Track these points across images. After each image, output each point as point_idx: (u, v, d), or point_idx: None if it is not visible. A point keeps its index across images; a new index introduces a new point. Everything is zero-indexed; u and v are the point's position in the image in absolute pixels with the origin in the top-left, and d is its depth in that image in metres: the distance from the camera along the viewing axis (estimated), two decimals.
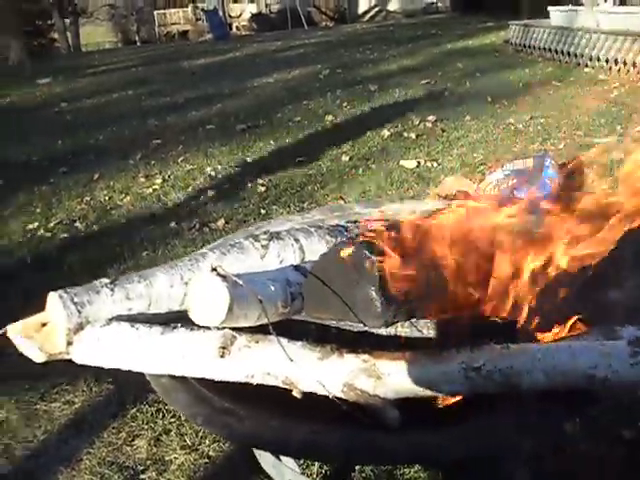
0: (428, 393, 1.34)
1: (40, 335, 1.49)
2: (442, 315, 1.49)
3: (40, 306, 2.95)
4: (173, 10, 35.75)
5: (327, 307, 1.42)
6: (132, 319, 1.48)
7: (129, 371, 1.46)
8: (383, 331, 1.49)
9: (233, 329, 1.37)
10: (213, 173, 5.16)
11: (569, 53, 9.67)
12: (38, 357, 1.46)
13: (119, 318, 1.48)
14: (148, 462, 2.13)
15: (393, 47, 13.53)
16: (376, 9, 31.59)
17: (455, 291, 1.48)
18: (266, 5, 31.13)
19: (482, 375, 1.30)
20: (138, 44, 30.50)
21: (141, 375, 1.48)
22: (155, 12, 35.55)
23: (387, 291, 1.36)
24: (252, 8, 32.14)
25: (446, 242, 1.51)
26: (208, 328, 1.37)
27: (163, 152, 5.98)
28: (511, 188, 3.37)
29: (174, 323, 1.45)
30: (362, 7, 31.67)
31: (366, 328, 1.46)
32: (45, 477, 2.17)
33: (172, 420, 2.29)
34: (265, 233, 1.70)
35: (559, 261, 1.53)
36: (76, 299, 1.46)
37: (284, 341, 1.34)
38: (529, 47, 11.13)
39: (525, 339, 1.45)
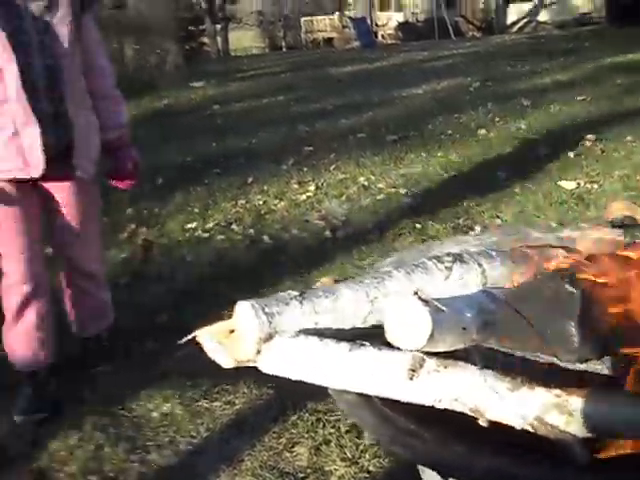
0: (621, 433, 1.29)
1: (229, 341, 1.54)
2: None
3: (199, 306, 3.09)
4: (320, 17, 36.42)
5: (520, 337, 1.39)
6: (319, 333, 1.50)
7: (292, 380, 1.48)
8: (570, 365, 1.45)
9: (424, 352, 1.37)
10: (366, 183, 5.19)
11: None
12: (227, 363, 1.51)
13: (306, 331, 1.51)
14: (308, 470, 2.17)
15: (545, 60, 13.14)
16: (525, 19, 30.91)
17: None
18: (413, 14, 31.15)
19: None
20: (284, 50, 31.25)
21: (303, 384, 1.49)
22: (302, 19, 36.36)
23: (586, 327, 1.31)
24: (399, 17, 32.24)
25: None
26: (397, 348, 1.38)
27: (315, 159, 6.06)
28: None
29: (360, 340, 1.46)
30: (511, 17, 31.06)
31: (556, 361, 1.42)
32: (207, 473, 2.25)
33: (332, 431, 2.32)
34: (448, 255, 1.69)
35: None
36: (267, 309, 1.49)
37: (485, 370, 1.33)
38: None
39: None
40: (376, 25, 30.93)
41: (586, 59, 12.93)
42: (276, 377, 2.35)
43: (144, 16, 17.48)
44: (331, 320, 1.55)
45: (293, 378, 1.48)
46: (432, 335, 1.22)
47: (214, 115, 9.22)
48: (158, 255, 4.22)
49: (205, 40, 32.75)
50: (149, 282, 3.77)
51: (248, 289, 3.47)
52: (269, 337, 1.48)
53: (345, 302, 1.57)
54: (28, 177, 2.33)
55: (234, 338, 1.54)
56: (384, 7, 34.22)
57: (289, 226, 4.29)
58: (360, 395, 1.43)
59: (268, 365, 1.51)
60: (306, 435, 2.32)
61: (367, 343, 1.44)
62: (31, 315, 2.50)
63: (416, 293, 1.23)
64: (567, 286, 1.33)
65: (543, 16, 30.75)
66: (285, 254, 3.91)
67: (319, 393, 2.22)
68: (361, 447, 2.22)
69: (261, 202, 5.01)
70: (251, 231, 4.43)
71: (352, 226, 4.23)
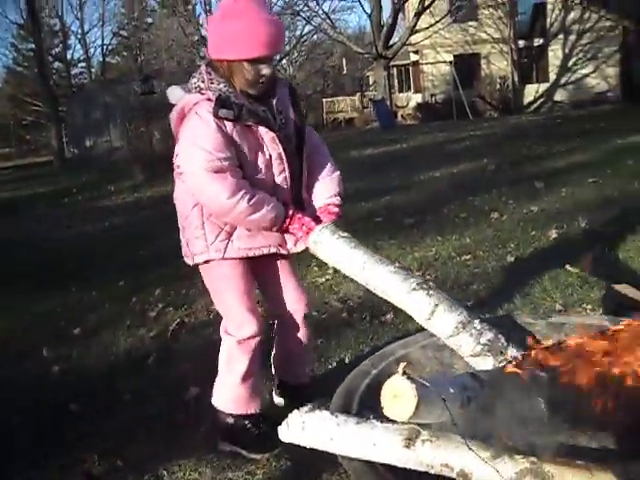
0: None
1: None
2: (604, 428, 1.66)
3: None
4: (341, 98, 37.51)
5: (497, 413, 1.64)
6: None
7: (304, 450, 1.71)
8: (551, 440, 1.68)
9: (417, 424, 1.62)
10: None
11: None
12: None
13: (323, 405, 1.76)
14: None
15: (560, 141, 13.51)
16: (542, 99, 31.63)
17: (617, 409, 1.65)
18: (431, 95, 31.99)
19: None
20: None
21: (314, 454, 1.72)
22: (323, 100, 37.40)
23: (555, 405, 1.56)
24: (418, 98, 33.16)
25: (608, 360, 1.70)
26: (396, 422, 1.63)
27: None
28: None
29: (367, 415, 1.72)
30: (527, 97, 31.84)
31: (535, 435, 1.65)
32: None
33: None
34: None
35: None
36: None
37: (468, 440, 1.57)
38: None
39: None
40: (396, 106, 31.78)
41: (600, 140, 13.27)
42: (294, 451, 2.60)
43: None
44: None
45: (307, 446, 1.73)
46: (418, 407, 1.47)
47: None
48: (185, 334, 4.48)
49: None
50: (177, 360, 4.02)
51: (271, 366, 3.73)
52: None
53: None
54: (285, 252, 2.83)
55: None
56: (403, 88, 35.23)
57: (312, 307, 4.53)
58: (365, 462, 1.67)
59: (287, 435, 1.76)
60: None
61: (372, 417, 1.70)
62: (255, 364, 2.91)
63: (405, 372, 1.48)
64: (536, 370, 1.58)
65: (559, 96, 31.49)
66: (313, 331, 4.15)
67: (332, 465, 2.45)
68: None
69: None
70: None
71: (368, 308, 4.47)
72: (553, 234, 6.04)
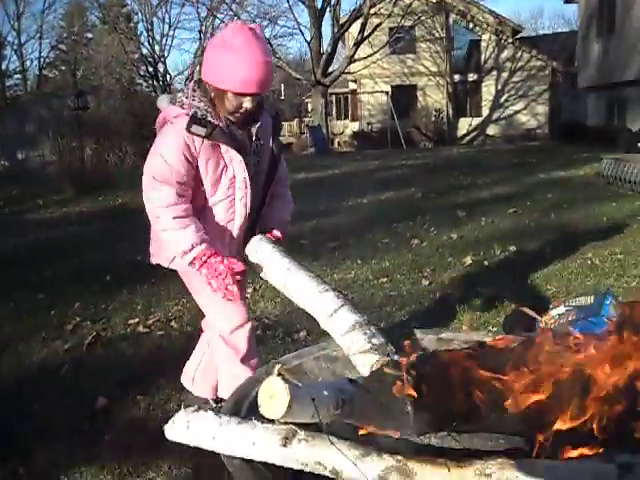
0: None
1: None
2: (469, 429, 1.79)
3: (131, 394, 3.36)
4: None
5: (371, 416, 1.75)
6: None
7: (205, 456, 1.80)
8: (418, 440, 1.81)
9: (295, 424, 1.72)
10: None
11: None
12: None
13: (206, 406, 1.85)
14: None
15: (487, 174, 13.95)
16: (475, 132, 32.51)
17: (482, 412, 1.78)
18: (368, 124, 32.49)
19: None
20: None
21: (215, 462, 1.81)
22: None
23: (420, 407, 1.68)
24: (354, 126, 33.65)
25: (477, 369, 1.84)
26: (274, 422, 1.73)
27: None
28: (567, 323, 3.63)
29: (249, 416, 1.82)
30: (461, 130, 32.68)
31: (403, 436, 1.78)
32: None
33: None
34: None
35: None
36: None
37: (334, 438, 1.68)
38: (620, 180, 11.34)
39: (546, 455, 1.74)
40: (332, 133, 32.16)
41: (524, 173, 13.77)
42: (194, 457, 2.67)
43: (104, 117, 18.12)
44: None
45: (191, 445, 1.81)
46: (290, 406, 1.57)
47: None
48: (100, 347, 4.50)
49: None
50: (88, 372, 4.04)
51: (179, 381, 3.78)
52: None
53: None
54: None
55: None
56: (341, 116, 35.72)
57: None
58: (245, 460, 1.76)
59: (173, 434, 1.85)
60: None
61: (254, 418, 1.79)
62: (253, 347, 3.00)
63: (280, 373, 1.59)
64: (406, 375, 1.70)
65: (492, 130, 32.41)
66: None
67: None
68: None
69: None
70: (188, 328, 4.75)
71: (282, 326, 4.58)
72: (468, 260, 6.28)
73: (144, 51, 35.34)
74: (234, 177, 2.72)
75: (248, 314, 2.98)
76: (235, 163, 2.70)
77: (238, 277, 2.68)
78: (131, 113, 22.57)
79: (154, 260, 3.02)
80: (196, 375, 3.22)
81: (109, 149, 15.67)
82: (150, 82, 35.61)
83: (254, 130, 2.78)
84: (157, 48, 35.57)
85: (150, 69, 35.01)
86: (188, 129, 2.57)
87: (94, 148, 15.37)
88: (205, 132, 2.58)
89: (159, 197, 2.64)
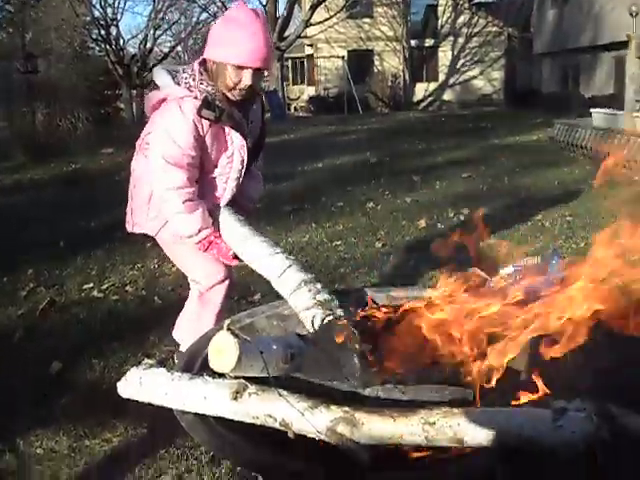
0: (393, 441, 1.69)
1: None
2: (413, 381, 1.86)
3: (85, 359, 3.37)
4: None
5: (321, 369, 1.80)
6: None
7: (161, 416, 1.83)
8: (366, 392, 1.87)
9: (246, 379, 1.76)
10: None
11: (607, 153, 10.06)
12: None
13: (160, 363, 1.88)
14: None
15: (442, 139, 14.08)
16: (431, 98, 32.60)
17: (426, 363, 1.85)
18: (324, 89, 32.32)
19: (435, 429, 1.65)
20: None
21: (171, 421, 1.85)
22: None
23: (366, 360, 1.74)
24: (311, 91, 33.44)
25: (424, 324, 1.90)
26: (225, 377, 1.77)
27: None
28: (514, 282, 3.73)
29: (202, 372, 1.85)
30: (418, 95, 32.72)
31: (351, 388, 1.83)
32: None
33: (194, 462, 2.65)
34: None
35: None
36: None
37: (283, 391, 1.72)
38: (572, 145, 11.55)
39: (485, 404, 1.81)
40: (289, 98, 31.95)
41: (479, 139, 13.90)
42: (150, 417, 2.70)
43: (56, 81, 17.73)
44: None
45: (144, 401, 1.84)
46: (239, 360, 1.61)
47: (120, 182, 9.44)
48: (54, 313, 4.48)
49: (121, 105, 33.18)
50: (42, 337, 4.03)
51: (134, 344, 3.81)
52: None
53: None
54: None
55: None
56: (297, 81, 35.48)
57: (179, 288, 4.61)
58: (197, 415, 1.80)
59: (126, 390, 1.87)
60: (171, 466, 2.64)
61: (206, 374, 1.83)
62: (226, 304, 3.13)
63: (229, 328, 1.62)
64: (353, 329, 1.76)
65: (447, 95, 32.53)
66: (173, 313, 4.24)
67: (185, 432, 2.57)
68: (218, 475, 2.56)
69: (156, 266, 5.35)
70: (143, 292, 4.76)
71: (238, 290, 4.60)
72: (422, 223, 6.37)
73: (96, 14, 34.43)
74: (232, 156, 2.80)
75: (227, 271, 3.04)
76: (236, 145, 2.78)
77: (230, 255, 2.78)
78: (84, 77, 22.14)
79: (137, 229, 3.06)
80: (188, 331, 3.24)
81: (61, 114, 15.30)
82: (103, 46, 34.80)
83: (250, 113, 2.85)
84: (109, 11, 34.72)
85: (102, 32, 34.20)
86: (199, 113, 2.62)
87: (45, 113, 15.03)
88: (215, 116, 2.65)
89: (170, 179, 2.68)
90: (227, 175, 2.84)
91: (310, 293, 2.24)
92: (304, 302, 2.21)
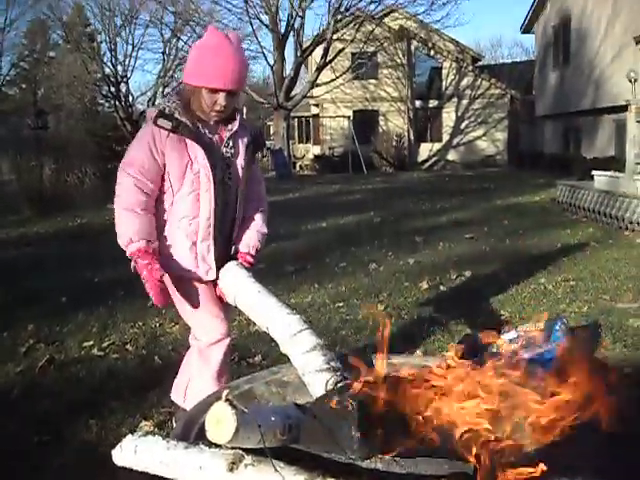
0: None
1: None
2: (412, 456, 1.83)
3: (82, 418, 3.33)
4: None
5: (318, 440, 1.78)
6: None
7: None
8: (364, 464, 1.84)
9: (242, 450, 1.74)
10: None
11: (610, 215, 10.11)
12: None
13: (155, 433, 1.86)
14: None
15: (446, 199, 14.17)
16: (435, 158, 32.90)
17: (426, 437, 1.83)
18: (330, 148, 32.66)
19: None
20: None
21: None
22: None
23: (365, 432, 1.72)
24: (316, 150, 33.80)
25: (422, 394, 1.88)
26: (221, 447, 1.74)
27: None
28: (518, 349, 3.71)
29: (198, 440, 1.83)
30: (422, 155, 33.02)
31: (349, 460, 1.81)
32: None
33: None
34: None
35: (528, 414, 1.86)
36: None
37: (280, 463, 1.70)
38: (575, 207, 11.62)
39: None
40: (294, 157, 32.25)
41: (482, 199, 13.99)
42: None
43: (65, 137, 17.95)
44: None
45: (139, 470, 1.82)
46: (237, 431, 1.60)
47: None
48: (53, 370, 4.45)
49: None
50: (40, 395, 3.99)
51: (133, 404, 3.77)
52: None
53: None
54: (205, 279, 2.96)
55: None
56: (303, 140, 35.89)
57: (179, 348, 4.57)
58: None
59: (121, 459, 1.85)
60: None
61: (202, 442, 1.81)
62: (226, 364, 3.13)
63: (227, 399, 1.61)
64: (351, 400, 1.74)
65: (452, 155, 32.83)
66: (174, 373, 4.21)
67: None
68: None
69: (157, 325, 5.33)
70: (144, 351, 4.73)
71: (238, 351, 4.58)
72: (424, 285, 6.36)
73: (107, 71, 35.10)
74: (199, 172, 2.83)
75: (227, 330, 3.05)
76: (199, 158, 2.82)
77: (159, 284, 2.77)
78: (92, 133, 22.45)
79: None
80: (187, 391, 3.21)
81: (69, 169, 15.50)
82: (112, 102, 35.39)
83: (226, 134, 2.92)
84: (120, 68, 35.41)
85: (112, 89, 34.80)
86: (155, 122, 2.75)
87: (53, 168, 15.20)
88: (171, 125, 2.76)
89: (119, 186, 2.82)
90: (197, 191, 2.85)
91: (323, 357, 2.25)
92: (317, 364, 2.21)
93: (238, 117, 2.97)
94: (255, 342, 4.72)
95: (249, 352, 4.49)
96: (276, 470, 1.63)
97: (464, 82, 32.81)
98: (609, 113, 19.39)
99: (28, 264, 8.18)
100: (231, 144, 2.94)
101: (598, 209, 10.59)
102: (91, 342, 4.97)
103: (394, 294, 6.10)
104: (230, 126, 2.93)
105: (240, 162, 2.96)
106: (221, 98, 2.77)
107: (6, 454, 3.24)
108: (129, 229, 2.77)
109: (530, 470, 1.78)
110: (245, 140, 2.99)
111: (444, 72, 33.07)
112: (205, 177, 2.83)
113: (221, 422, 1.63)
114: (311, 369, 2.26)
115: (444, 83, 33.23)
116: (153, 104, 35.15)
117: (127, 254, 2.80)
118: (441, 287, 6.37)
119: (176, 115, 2.77)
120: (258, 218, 3.12)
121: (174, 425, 3.32)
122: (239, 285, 2.81)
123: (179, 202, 2.87)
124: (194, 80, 2.78)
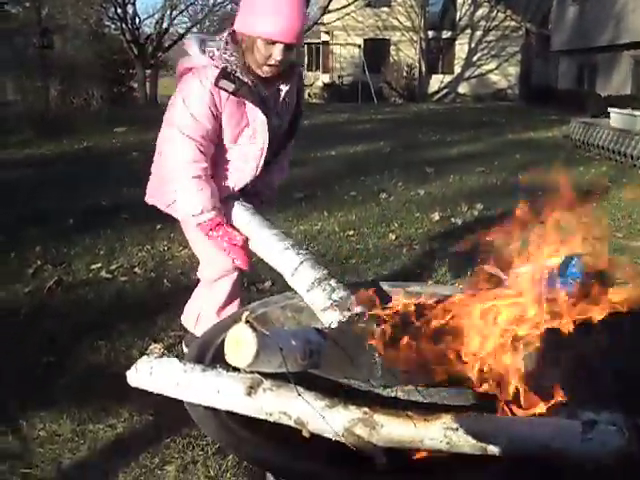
0: (413, 445, 1.62)
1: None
2: (435, 385, 1.78)
3: (89, 340, 3.31)
4: None
5: (339, 367, 1.73)
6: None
7: (167, 404, 1.77)
8: (385, 393, 1.79)
9: (261, 374, 1.69)
10: None
11: (625, 154, 9.95)
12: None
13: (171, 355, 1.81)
14: None
15: (456, 131, 13.96)
16: (446, 90, 32.39)
17: (448, 367, 1.77)
18: (339, 77, 32.16)
19: (458, 435, 1.57)
20: None
21: (177, 410, 1.78)
22: None
23: (387, 359, 1.66)
24: (325, 78, 33.27)
25: (446, 322, 1.82)
26: (239, 371, 1.69)
27: None
28: (533, 282, 3.65)
29: (213, 363, 1.78)
30: (433, 87, 32.51)
31: (370, 388, 1.76)
32: None
33: (200, 452, 2.59)
34: None
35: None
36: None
37: (300, 388, 1.65)
38: (588, 144, 11.43)
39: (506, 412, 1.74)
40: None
41: (493, 133, 13.79)
42: (156, 405, 2.64)
43: (71, 58, 17.63)
44: None
45: (155, 392, 1.77)
46: (257, 355, 1.54)
47: (132, 161, 9.40)
48: (61, 292, 4.42)
49: (134, 85, 33.06)
50: (49, 316, 3.97)
51: (142, 328, 3.74)
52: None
53: None
54: None
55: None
56: (312, 67, 35.29)
57: (189, 272, 4.54)
58: (208, 408, 1.73)
59: (136, 380, 1.80)
60: (176, 455, 2.58)
61: (219, 365, 1.76)
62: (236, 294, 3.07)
63: (248, 321, 1.55)
64: (375, 326, 1.68)
65: (462, 88, 32.30)
66: (183, 297, 4.17)
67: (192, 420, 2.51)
68: (224, 467, 2.50)
69: (166, 248, 5.28)
70: (152, 274, 4.69)
71: (247, 276, 4.53)
72: (436, 216, 6.28)
73: None
74: (254, 135, 2.67)
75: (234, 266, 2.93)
76: (258, 123, 2.64)
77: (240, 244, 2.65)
78: (99, 55, 22.04)
79: (150, 201, 2.96)
80: (199, 319, 3.15)
81: (75, 91, 15.25)
82: (118, 24, 34.64)
83: (283, 92, 2.70)
84: None
85: (119, 11, 34.03)
86: (216, 83, 2.51)
87: (59, 89, 14.96)
88: (233, 88, 2.53)
89: (181, 151, 2.58)
90: (247, 154, 2.71)
91: (325, 293, 2.17)
92: (320, 302, 2.15)
93: (297, 72, 2.76)
94: (264, 267, 4.66)
95: (258, 278, 4.43)
96: (299, 394, 1.58)
97: (479, 13, 32.02)
98: (628, 49, 18.94)
99: (33, 185, 8.09)
100: (287, 100, 2.75)
101: (612, 147, 10.42)
102: (99, 264, 4.93)
103: (405, 224, 6.03)
104: (286, 83, 2.69)
105: (289, 113, 2.81)
106: (277, 51, 2.47)
107: (14, 373, 3.23)
108: (198, 199, 2.59)
109: (554, 402, 1.74)
110: (295, 82, 2.78)
111: (459, 2, 32.24)
112: (261, 142, 2.68)
113: (241, 345, 1.57)
114: (317, 307, 2.21)
115: (458, 13, 32.44)
116: (160, 27, 34.53)
117: (195, 223, 2.63)
118: (452, 219, 6.28)
119: (238, 74, 2.52)
120: (285, 163, 3.06)
121: (183, 349, 3.29)
122: (237, 220, 2.71)
123: (225, 161, 2.72)
124: (250, 29, 2.47)
